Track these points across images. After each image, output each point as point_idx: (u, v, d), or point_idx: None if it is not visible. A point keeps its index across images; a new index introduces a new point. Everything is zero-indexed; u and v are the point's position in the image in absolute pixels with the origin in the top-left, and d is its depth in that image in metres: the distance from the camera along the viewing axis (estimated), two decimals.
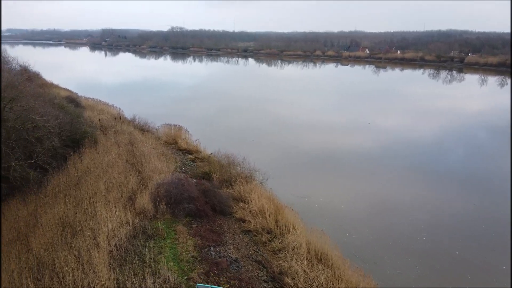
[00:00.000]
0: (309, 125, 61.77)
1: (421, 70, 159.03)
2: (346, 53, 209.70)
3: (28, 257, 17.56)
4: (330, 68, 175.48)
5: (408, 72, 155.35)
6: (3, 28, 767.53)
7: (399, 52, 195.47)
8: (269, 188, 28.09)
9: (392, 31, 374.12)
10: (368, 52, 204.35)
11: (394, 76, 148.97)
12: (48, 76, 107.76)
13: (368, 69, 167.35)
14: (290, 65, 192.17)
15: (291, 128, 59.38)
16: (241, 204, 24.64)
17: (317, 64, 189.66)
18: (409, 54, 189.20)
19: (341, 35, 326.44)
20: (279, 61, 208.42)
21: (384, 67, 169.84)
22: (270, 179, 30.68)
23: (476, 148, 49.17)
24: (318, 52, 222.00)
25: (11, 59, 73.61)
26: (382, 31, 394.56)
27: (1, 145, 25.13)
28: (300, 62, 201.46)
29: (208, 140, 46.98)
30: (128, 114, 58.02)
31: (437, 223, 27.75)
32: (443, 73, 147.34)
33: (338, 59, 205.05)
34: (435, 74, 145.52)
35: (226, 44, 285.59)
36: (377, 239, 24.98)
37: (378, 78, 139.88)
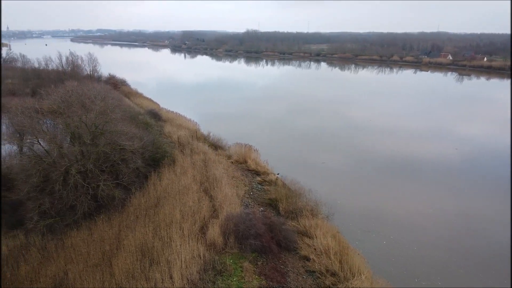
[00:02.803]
0: (384, 131, 60.87)
1: (510, 80, 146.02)
2: (426, 59, 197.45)
3: (111, 284, 19.71)
4: (408, 74, 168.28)
5: (495, 82, 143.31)
6: (94, 28, 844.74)
7: (485, 59, 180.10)
8: (335, 224, 28.06)
9: (478, 33, 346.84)
10: (451, 58, 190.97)
11: (479, 84, 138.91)
12: (136, 75, 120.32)
13: (450, 76, 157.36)
14: (365, 69, 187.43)
15: (364, 133, 59.18)
16: (306, 240, 25.08)
17: (394, 70, 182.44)
18: (497, 63, 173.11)
19: (422, 37, 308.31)
20: (352, 66, 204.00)
21: (468, 75, 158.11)
22: (336, 205, 30.85)
23: None
24: (395, 57, 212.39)
25: (100, 67, 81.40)
26: (468, 32, 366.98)
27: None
28: (376, 67, 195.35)
29: (276, 147, 48.98)
30: (203, 115, 62.28)
31: None
32: None
33: (417, 65, 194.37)
34: None
35: (299, 47, 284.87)
36: None
37: (461, 85, 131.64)
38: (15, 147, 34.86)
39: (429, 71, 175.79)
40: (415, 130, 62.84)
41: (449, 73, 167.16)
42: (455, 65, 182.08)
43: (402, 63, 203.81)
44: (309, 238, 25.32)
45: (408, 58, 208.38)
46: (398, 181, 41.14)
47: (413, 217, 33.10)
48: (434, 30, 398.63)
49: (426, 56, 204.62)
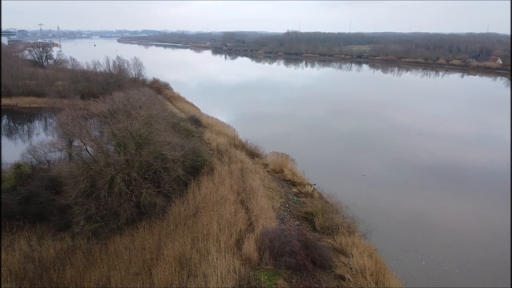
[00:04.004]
0: (429, 136, 59.96)
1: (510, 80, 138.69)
2: (474, 63, 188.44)
3: None
4: (454, 78, 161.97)
5: None
6: (139, 29, 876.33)
7: None
8: (373, 241, 27.64)
9: None
10: (500, 62, 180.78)
11: None
12: (180, 76, 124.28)
13: (500, 81, 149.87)
14: (408, 72, 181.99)
15: (407, 138, 58.37)
16: (342, 258, 24.88)
17: (440, 73, 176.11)
18: None
19: (470, 39, 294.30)
20: (396, 68, 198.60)
21: None
22: (375, 221, 30.32)
23: None
24: (441, 60, 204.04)
25: (145, 71, 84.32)
26: None
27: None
28: (420, 70, 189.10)
29: (314, 151, 48.85)
30: (241, 115, 63.08)
31: None
32: None
33: (465, 69, 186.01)
34: None
35: (340, 49, 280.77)
36: None
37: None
38: (63, 152, 36.91)
39: (477, 75, 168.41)
40: (462, 136, 61.04)
41: (498, 77, 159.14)
42: (505, 70, 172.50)
43: (449, 67, 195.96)
44: (345, 256, 25.10)
45: (455, 62, 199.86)
46: (442, 193, 39.86)
47: (456, 235, 31.91)
48: (483, 31, 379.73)
49: (474, 60, 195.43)
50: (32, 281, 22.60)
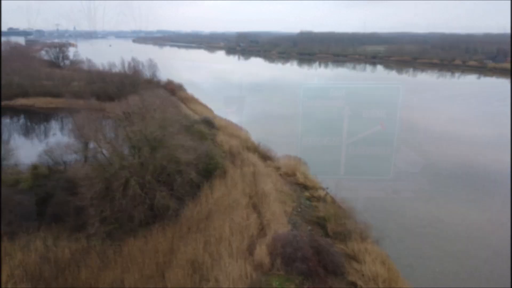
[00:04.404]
0: (448, 138, 59.21)
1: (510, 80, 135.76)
2: (491, 64, 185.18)
3: None
4: (471, 80, 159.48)
5: None
6: (155, 28, 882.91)
7: None
8: (386, 247, 27.39)
9: None
10: None
11: None
12: (194, 75, 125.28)
13: None
14: (424, 73, 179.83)
15: (422, 140, 57.38)
16: (354, 264, 24.83)
17: (456, 75, 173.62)
18: None
19: (487, 39, 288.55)
20: (411, 69, 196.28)
21: None
22: (389, 227, 30.11)
23: None
24: (457, 61, 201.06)
25: (159, 73, 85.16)
26: None
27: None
28: (436, 71, 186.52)
29: (326, 153, 48.55)
30: (255, 118, 64.50)
31: None
32: None
33: (481, 70, 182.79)
34: None
35: (354, 49, 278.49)
36: None
37: None
38: (79, 154, 37.51)
39: (494, 77, 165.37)
40: (480, 139, 60.23)
41: None
42: None
43: (465, 68, 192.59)
44: (358, 263, 25.02)
45: (472, 63, 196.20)
46: (457, 198, 39.30)
47: (472, 242, 31.46)
48: (501, 31, 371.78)
49: (491, 61, 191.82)
50: (47, 282, 23.03)
